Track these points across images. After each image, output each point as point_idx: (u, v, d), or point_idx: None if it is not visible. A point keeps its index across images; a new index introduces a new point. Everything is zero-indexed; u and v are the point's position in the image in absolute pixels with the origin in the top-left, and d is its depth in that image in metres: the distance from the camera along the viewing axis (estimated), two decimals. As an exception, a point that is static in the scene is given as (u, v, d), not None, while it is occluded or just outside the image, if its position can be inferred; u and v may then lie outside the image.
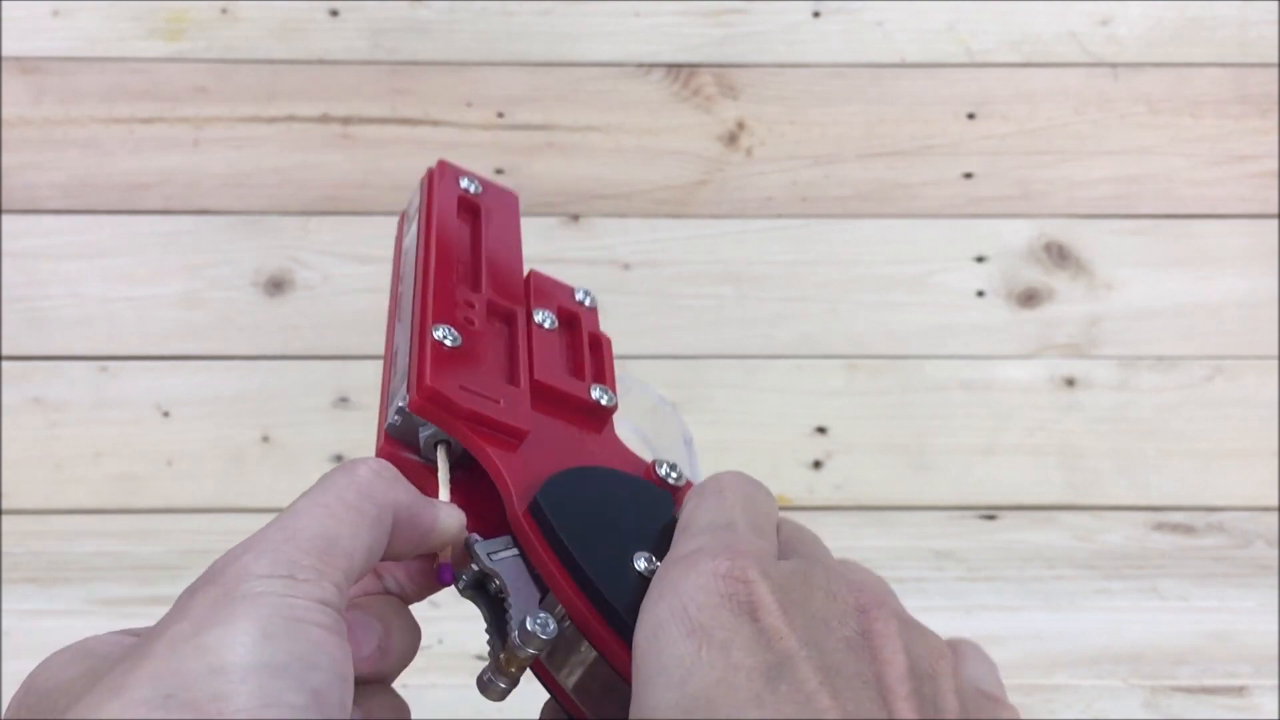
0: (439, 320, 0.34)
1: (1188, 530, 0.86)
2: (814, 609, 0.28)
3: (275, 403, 0.88)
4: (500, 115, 0.92)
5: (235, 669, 0.24)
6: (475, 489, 0.33)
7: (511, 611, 0.29)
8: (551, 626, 0.29)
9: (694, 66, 0.94)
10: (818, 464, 0.87)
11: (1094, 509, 0.87)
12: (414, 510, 0.30)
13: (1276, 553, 0.84)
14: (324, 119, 0.92)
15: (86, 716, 0.24)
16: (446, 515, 0.31)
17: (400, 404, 0.32)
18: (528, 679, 0.31)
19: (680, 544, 0.30)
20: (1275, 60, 0.94)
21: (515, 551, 0.31)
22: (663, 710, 0.25)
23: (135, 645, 0.27)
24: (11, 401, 0.87)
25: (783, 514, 0.33)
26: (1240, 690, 0.74)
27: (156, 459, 0.87)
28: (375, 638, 0.30)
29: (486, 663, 0.30)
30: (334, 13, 0.93)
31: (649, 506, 0.33)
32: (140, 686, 0.24)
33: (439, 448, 0.33)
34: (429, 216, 0.38)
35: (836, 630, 0.27)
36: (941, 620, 0.82)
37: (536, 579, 0.30)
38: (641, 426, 0.37)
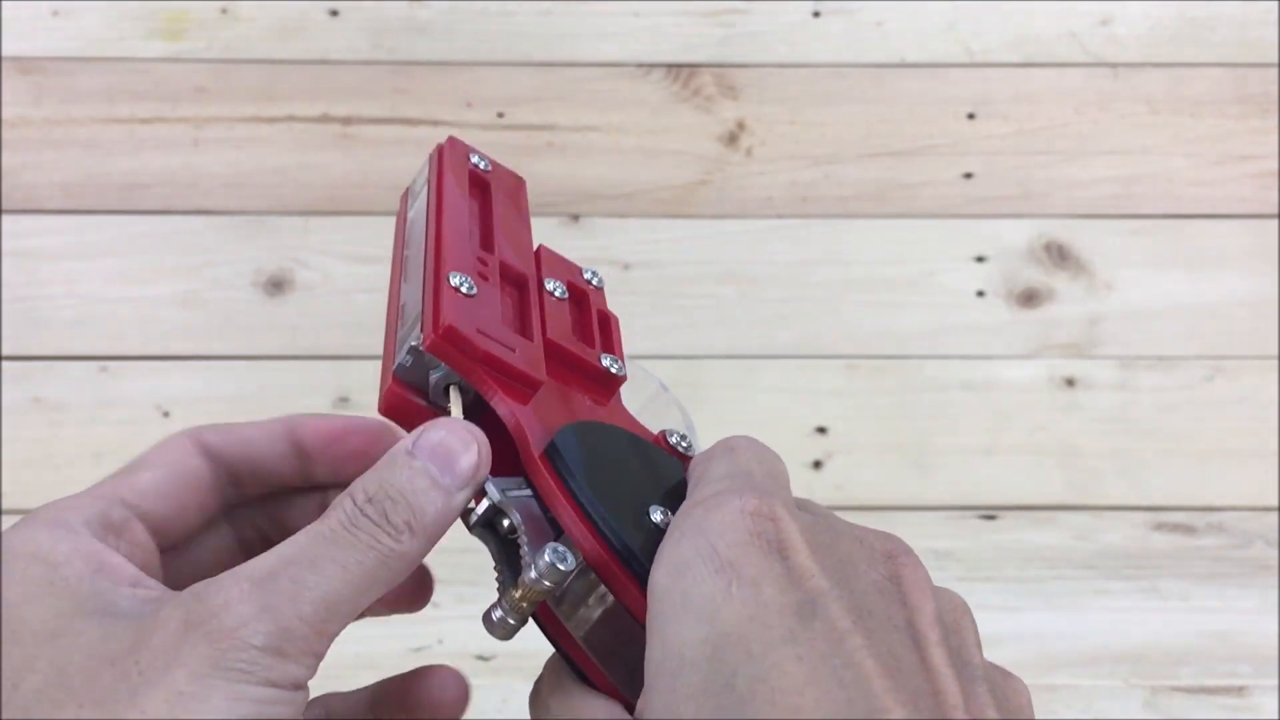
0: (455, 269, 0.33)
1: (1188, 530, 0.86)
2: (842, 552, 0.27)
3: (275, 403, 0.88)
4: (500, 115, 0.92)
5: None
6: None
7: (525, 547, 0.29)
8: (571, 559, 0.28)
9: (694, 66, 0.94)
10: (818, 464, 0.87)
11: (1094, 509, 0.87)
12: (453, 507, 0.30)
13: (1276, 553, 0.84)
14: (324, 119, 0.92)
15: None
16: (484, 449, 0.30)
17: (414, 343, 0.32)
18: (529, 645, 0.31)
19: (697, 492, 0.29)
20: (1275, 60, 0.94)
21: (529, 492, 0.30)
22: (690, 647, 0.25)
23: (115, 683, 0.26)
24: (11, 401, 0.87)
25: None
26: (1240, 690, 0.74)
27: (156, 459, 0.87)
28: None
29: (494, 601, 0.29)
30: (334, 13, 0.93)
31: (662, 467, 0.33)
32: None
33: (450, 390, 0.32)
34: (441, 180, 0.38)
35: (866, 573, 0.27)
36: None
37: (550, 521, 0.30)
38: (642, 412, 0.36)
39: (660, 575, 0.27)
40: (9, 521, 0.90)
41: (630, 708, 0.29)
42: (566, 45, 0.93)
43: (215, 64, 0.92)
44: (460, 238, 0.35)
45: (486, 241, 0.37)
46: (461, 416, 0.31)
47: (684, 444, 0.35)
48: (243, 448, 0.35)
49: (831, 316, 0.91)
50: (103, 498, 0.31)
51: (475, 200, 0.39)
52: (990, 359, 0.90)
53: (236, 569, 0.28)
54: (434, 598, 0.38)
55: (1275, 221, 0.93)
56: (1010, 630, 0.77)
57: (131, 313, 0.89)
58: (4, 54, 0.91)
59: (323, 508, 0.30)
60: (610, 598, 0.29)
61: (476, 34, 0.93)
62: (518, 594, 0.29)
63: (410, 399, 0.32)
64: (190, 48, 0.92)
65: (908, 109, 0.94)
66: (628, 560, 0.29)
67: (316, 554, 0.28)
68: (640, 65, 0.93)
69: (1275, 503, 0.87)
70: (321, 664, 0.28)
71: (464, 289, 0.33)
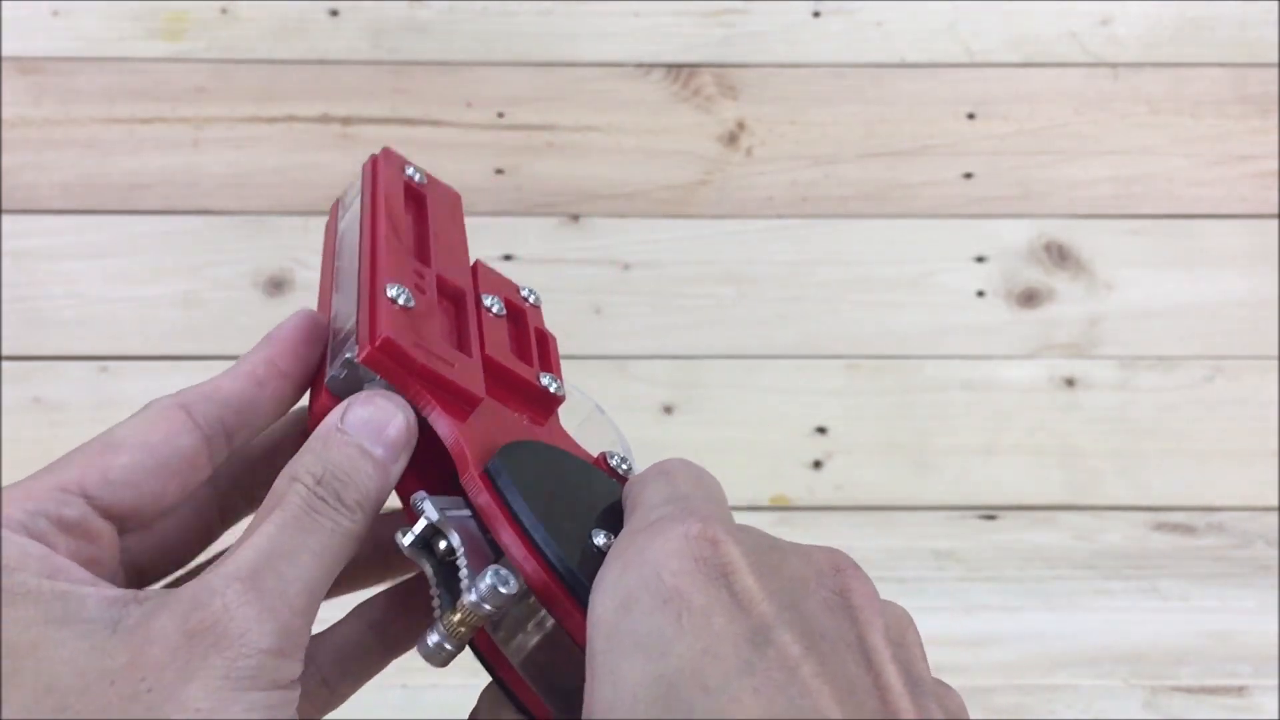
0: (392, 280, 0.32)
1: (1188, 530, 0.86)
2: (789, 572, 0.27)
3: (275, 403, 0.88)
4: (500, 115, 0.92)
5: None
6: (417, 454, 0.31)
7: (464, 570, 0.28)
8: (513, 582, 0.27)
9: (694, 66, 0.94)
10: (818, 464, 0.87)
11: (1094, 509, 0.87)
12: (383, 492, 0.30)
13: (1276, 553, 0.84)
14: (324, 119, 0.92)
15: None
16: (409, 416, 0.30)
17: (349, 355, 0.31)
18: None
19: (636, 519, 0.28)
20: (1275, 60, 0.94)
21: (468, 512, 0.29)
22: (642, 686, 0.24)
23: (124, 701, 0.25)
24: (11, 401, 0.87)
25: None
26: (1240, 690, 0.74)
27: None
28: None
29: (430, 629, 0.29)
30: (334, 13, 0.93)
31: (603, 490, 0.32)
32: None
33: None
34: (376, 191, 0.36)
35: (815, 591, 0.26)
36: (941, 620, 0.82)
37: (490, 543, 0.29)
38: (578, 434, 0.36)
39: (604, 609, 0.26)
40: (9, 521, 0.88)
41: None
42: (566, 45, 0.93)
43: (215, 64, 0.92)
44: (396, 249, 0.34)
45: (423, 255, 0.36)
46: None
47: (624, 466, 0.34)
48: (228, 406, 0.33)
49: (831, 316, 0.91)
50: (59, 490, 0.30)
51: (410, 213, 0.37)
52: (990, 359, 0.90)
53: (220, 567, 0.27)
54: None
55: (1275, 221, 0.93)
56: (1010, 630, 0.77)
57: (131, 313, 0.89)
58: (4, 54, 0.91)
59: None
60: (550, 622, 0.29)
61: (476, 34, 0.93)
62: (456, 618, 0.28)
63: None
64: (190, 48, 0.92)
65: (907, 109, 0.94)
66: (572, 586, 0.28)
67: (291, 545, 0.28)
68: (640, 65, 0.93)
69: (1275, 503, 0.87)
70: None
71: (401, 301, 0.32)
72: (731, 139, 0.93)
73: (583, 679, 0.26)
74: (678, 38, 0.94)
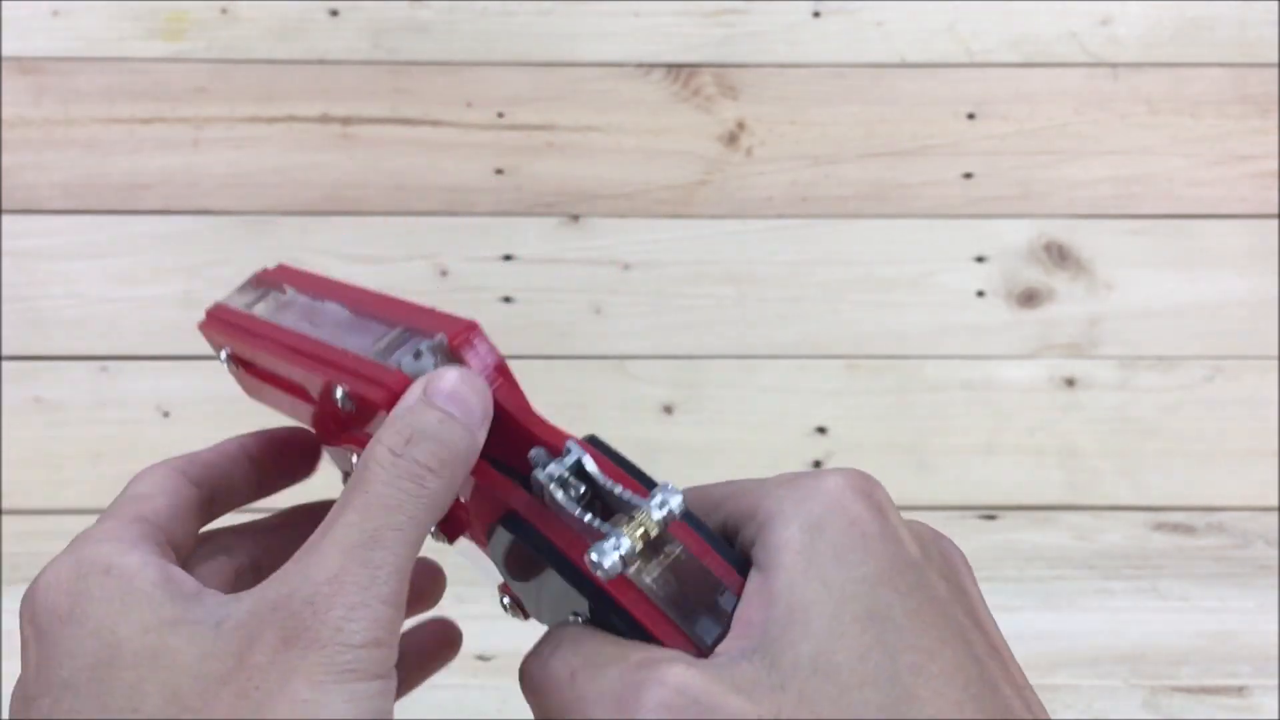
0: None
1: (1188, 530, 0.86)
2: (914, 526, 0.31)
3: (275, 403, 0.88)
4: (500, 115, 0.92)
5: None
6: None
7: (622, 490, 0.29)
8: (680, 495, 0.29)
9: (694, 66, 0.94)
10: (818, 464, 0.87)
11: (1094, 509, 0.87)
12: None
13: (1276, 553, 0.84)
14: (324, 119, 0.92)
15: None
16: (488, 391, 0.31)
17: (430, 342, 0.31)
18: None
19: (776, 479, 0.31)
20: (1275, 60, 0.94)
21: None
22: (851, 583, 0.28)
23: (235, 699, 0.26)
24: (11, 401, 0.87)
25: None
26: (1240, 690, 0.74)
27: (156, 459, 0.86)
28: None
29: (601, 541, 0.28)
30: (334, 13, 0.93)
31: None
32: None
33: None
34: (307, 274, 0.39)
35: (932, 546, 0.30)
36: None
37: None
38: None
39: (792, 531, 0.29)
40: (9, 522, 0.89)
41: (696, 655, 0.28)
42: (566, 45, 0.93)
43: (215, 64, 0.92)
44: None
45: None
46: None
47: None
48: (212, 471, 0.35)
49: (831, 316, 0.91)
50: (134, 518, 0.32)
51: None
52: (990, 359, 0.90)
53: (297, 567, 0.28)
54: (434, 598, 0.38)
55: (1275, 221, 0.93)
56: (1010, 630, 0.77)
57: (131, 313, 0.89)
58: (4, 54, 0.91)
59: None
60: (679, 551, 0.29)
61: (476, 34, 0.93)
62: (636, 526, 0.28)
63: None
64: (190, 48, 0.92)
65: (907, 109, 0.94)
66: (698, 526, 0.30)
67: (374, 527, 0.28)
68: (640, 65, 0.93)
69: (1275, 503, 0.87)
70: None
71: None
72: (731, 139, 0.93)
73: (708, 598, 0.29)
74: (678, 38, 0.94)
